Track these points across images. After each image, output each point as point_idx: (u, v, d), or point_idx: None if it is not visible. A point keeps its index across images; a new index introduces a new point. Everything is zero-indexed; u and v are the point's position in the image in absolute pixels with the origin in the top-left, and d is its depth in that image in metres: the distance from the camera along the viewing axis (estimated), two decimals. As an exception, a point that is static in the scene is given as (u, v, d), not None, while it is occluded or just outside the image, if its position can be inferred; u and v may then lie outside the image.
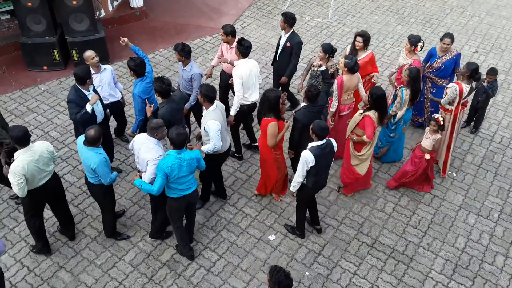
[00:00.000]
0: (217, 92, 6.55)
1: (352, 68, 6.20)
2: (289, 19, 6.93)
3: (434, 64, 7.08)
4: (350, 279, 5.54)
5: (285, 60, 7.14)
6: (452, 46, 7.01)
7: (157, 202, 5.49)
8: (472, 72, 6.26)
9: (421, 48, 6.77)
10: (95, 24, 8.47)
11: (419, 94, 6.50)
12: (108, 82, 6.33)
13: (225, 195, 6.42)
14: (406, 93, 6.35)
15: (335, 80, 6.34)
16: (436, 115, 6.10)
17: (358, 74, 6.36)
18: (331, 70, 6.69)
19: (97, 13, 9.43)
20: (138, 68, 5.85)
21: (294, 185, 5.44)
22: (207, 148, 5.53)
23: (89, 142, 4.95)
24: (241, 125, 6.95)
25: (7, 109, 7.70)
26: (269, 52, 9.31)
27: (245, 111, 6.51)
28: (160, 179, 4.85)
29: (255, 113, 6.64)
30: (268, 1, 11.15)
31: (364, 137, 5.86)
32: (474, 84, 6.48)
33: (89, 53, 6.12)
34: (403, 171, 6.50)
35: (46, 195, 5.19)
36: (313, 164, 5.13)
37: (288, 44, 7.01)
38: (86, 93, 5.71)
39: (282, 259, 5.72)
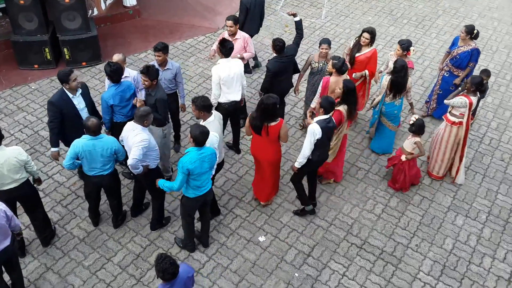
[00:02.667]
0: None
1: (340, 68, 6.24)
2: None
3: (453, 52, 7.34)
4: (339, 281, 5.57)
5: None
6: (473, 41, 7.23)
7: (153, 193, 5.63)
8: (477, 86, 6.27)
9: (414, 51, 6.85)
10: (88, 22, 8.42)
11: (403, 88, 6.53)
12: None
13: (219, 211, 6.25)
14: (385, 78, 6.55)
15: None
16: (412, 117, 6.17)
17: (346, 76, 6.39)
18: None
19: (90, 11, 9.37)
20: (113, 74, 5.68)
21: (301, 161, 5.66)
22: None
23: (94, 131, 5.06)
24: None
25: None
26: (262, 52, 9.31)
27: (226, 109, 6.43)
28: (181, 176, 4.90)
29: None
30: (262, 0, 11.12)
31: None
32: (479, 95, 6.52)
33: (116, 57, 6.04)
34: (393, 177, 6.64)
35: (10, 200, 5.09)
36: (320, 136, 5.42)
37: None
38: (71, 96, 5.62)
39: (272, 260, 5.73)
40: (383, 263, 5.78)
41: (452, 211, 6.48)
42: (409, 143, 6.32)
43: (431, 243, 6.05)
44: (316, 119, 5.59)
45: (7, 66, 8.57)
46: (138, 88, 6.20)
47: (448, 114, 6.53)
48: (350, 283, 5.55)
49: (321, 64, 6.85)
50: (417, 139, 6.25)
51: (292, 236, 6.04)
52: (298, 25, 6.94)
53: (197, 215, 5.63)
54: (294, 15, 6.94)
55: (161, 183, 5.16)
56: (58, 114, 5.59)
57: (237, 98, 6.48)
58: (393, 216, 6.36)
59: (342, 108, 5.93)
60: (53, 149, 5.81)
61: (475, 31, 7.15)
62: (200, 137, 4.81)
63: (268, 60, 6.79)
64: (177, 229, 5.99)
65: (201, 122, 5.35)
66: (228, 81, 6.26)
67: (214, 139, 5.26)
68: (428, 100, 8.00)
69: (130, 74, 6.24)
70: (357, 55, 7.02)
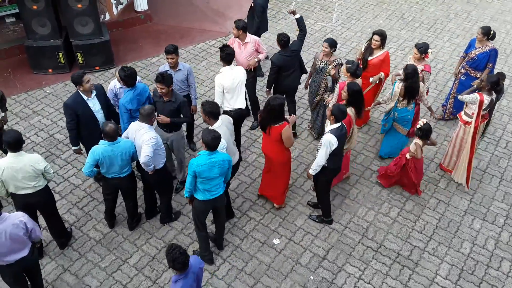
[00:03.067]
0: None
1: (355, 72, 6.23)
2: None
3: (470, 54, 7.28)
4: (355, 284, 5.51)
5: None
6: (490, 41, 7.19)
7: (162, 188, 5.74)
8: (493, 85, 6.24)
9: (431, 53, 6.84)
10: (100, 27, 8.50)
11: (416, 93, 6.46)
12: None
13: (233, 213, 6.26)
14: (397, 86, 6.48)
15: (337, 84, 6.41)
16: (420, 121, 6.10)
17: (360, 80, 6.39)
18: (333, 64, 6.68)
19: (102, 16, 9.46)
20: (127, 78, 5.71)
21: (315, 169, 5.60)
22: None
23: (112, 136, 5.09)
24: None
25: (12, 112, 7.71)
26: (270, 54, 9.30)
27: (232, 116, 6.20)
28: (189, 177, 4.95)
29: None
30: (272, 5, 11.16)
31: None
32: (494, 96, 6.45)
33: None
34: (387, 167, 6.61)
35: (26, 205, 5.12)
36: (336, 145, 5.40)
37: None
38: (85, 98, 5.67)
39: (287, 263, 5.69)
40: (399, 267, 5.72)
41: (469, 215, 6.40)
42: (412, 143, 6.28)
43: (448, 246, 5.98)
44: (328, 128, 5.51)
45: (21, 70, 8.65)
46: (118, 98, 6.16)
47: (462, 113, 6.54)
48: (366, 286, 5.50)
49: (323, 64, 6.78)
50: (418, 141, 6.16)
51: (307, 239, 6.00)
52: (300, 23, 7.01)
53: (211, 217, 5.62)
54: (294, 12, 7.03)
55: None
56: (74, 116, 5.65)
57: (242, 105, 6.46)
58: (409, 220, 6.30)
59: (350, 111, 5.89)
60: (74, 148, 5.94)
61: (492, 32, 7.11)
62: (211, 142, 4.80)
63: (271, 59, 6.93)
64: (192, 231, 5.98)
65: (209, 127, 5.36)
66: (232, 89, 6.25)
67: (220, 145, 5.18)
68: (444, 103, 7.95)
69: (110, 84, 6.28)
70: (369, 58, 7.01)
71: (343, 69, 6.43)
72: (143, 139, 5.20)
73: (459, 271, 5.70)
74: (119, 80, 5.93)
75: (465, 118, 6.47)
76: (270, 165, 6.04)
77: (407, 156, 6.31)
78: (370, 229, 6.16)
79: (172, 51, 6.16)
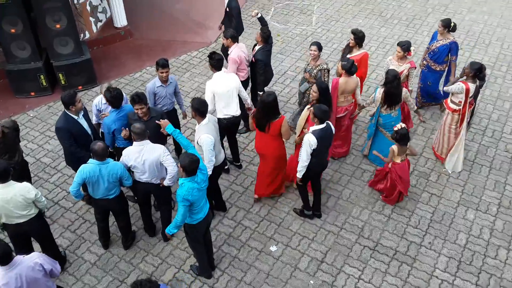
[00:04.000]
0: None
1: (349, 69, 6.31)
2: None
3: (432, 47, 7.40)
4: (355, 284, 5.50)
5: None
6: (451, 34, 7.31)
7: (164, 198, 5.77)
8: (476, 72, 6.31)
9: (413, 51, 6.93)
10: (80, 46, 8.44)
11: (396, 99, 6.39)
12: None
13: (225, 207, 6.38)
14: (379, 91, 6.45)
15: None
16: (398, 125, 6.03)
17: (356, 78, 6.43)
18: (318, 68, 6.73)
19: (82, 35, 9.38)
20: (113, 99, 5.64)
21: (300, 170, 5.64)
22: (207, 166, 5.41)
23: (102, 155, 5.02)
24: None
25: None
26: (256, 62, 9.32)
27: (224, 124, 6.36)
28: (183, 209, 4.72)
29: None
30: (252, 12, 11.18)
31: (306, 130, 5.84)
32: (478, 83, 6.52)
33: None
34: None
35: (20, 234, 5.07)
36: (315, 146, 5.40)
37: (253, 59, 7.17)
38: (75, 117, 5.59)
39: (286, 269, 5.67)
40: (398, 264, 5.73)
41: (462, 206, 6.44)
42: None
43: (444, 239, 6.00)
44: (312, 128, 5.52)
45: (3, 95, 8.54)
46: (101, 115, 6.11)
47: (448, 102, 6.65)
48: (366, 286, 5.49)
49: (309, 67, 6.81)
50: (394, 146, 6.07)
51: (304, 243, 5.98)
52: (261, 20, 7.72)
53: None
54: (256, 14, 7.67)
55: (168, 230, 4.97)
56: (69, 136, 5.52)
57: (236, 113, 6.44)
58: (403, 216, 6.32)
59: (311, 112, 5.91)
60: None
61: (452, 24, 7.23)
62: (190, 166, 4.63)
63: (254, 54, 7.11)
64: (188, 245, 5.91)
65: (196, 126, 5.54)
66: (225, 95, 6.23)
67: (208, 141, 5.34)
68: (424, 101, 8.05)
69: (94, 100, 6.22)
70: (348, 56, 7.03)
71: (338, 66, 6.52)
72: (158, 154, 5.20)
73: (457, 262, 5.73)
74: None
75: (452, 106, 6.56)
76: (267, 164, 6.07)
77: (388, 165, 6.26)
78: (366, 228, 6.16)
79: (167, 64, 6.16)
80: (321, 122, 5.47)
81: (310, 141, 5.41)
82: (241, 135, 7.61)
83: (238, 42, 7.03)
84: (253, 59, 7.07)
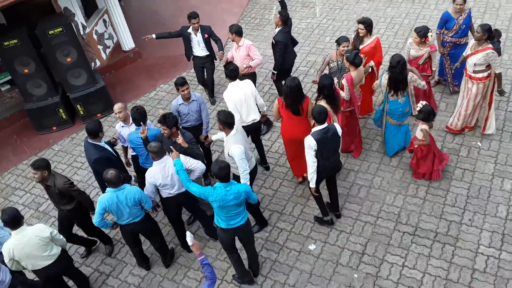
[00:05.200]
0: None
1: (353, 61, 6.21)
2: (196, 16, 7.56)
3: (454, 27, 7.14)
4: (400, 272, 5.43)
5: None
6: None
7: (195, 205, 5.83)
8: (489, 32, 6.16)
9: (431, 36, 6.81)
10: (93, 75, 8.57)
11: (403, 85, 6.22)
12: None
13: (265, 222, 6.27)
14: (385, 77, 6.28)
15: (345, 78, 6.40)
16: (419, 103, 5.94)
17: (362, 67, 6.36)
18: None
19: (93, 64, 9.55)
20: (139, 117, 5.77)
21: (311, 178, 5.56)
22: (241, 176, 5.48)
23: (115, 183, 5.07)
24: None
25: (27, 177, 7.79)
26: (267, 63, 9.29)
27: (246, 130, 6.27)
28: (205, 191, 4.89)
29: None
30: (254, 14, 11.19)
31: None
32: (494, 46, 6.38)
33: (115, 108, 6.07)
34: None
35: (50, 277, 5.16)
36: (316, 148, 5.31)
37: (273, 41, 7.42)
38: (101, 144, 5.82)
39: (327, 266, 5.63)
40: (440, 245, 5.63)
41: (497, 177, 6.29)
42: (418, 130, 6.07)
43: (484, 214, 5.87)
44: (313, 130, 5.44)
45: (26, 134, 8.75)
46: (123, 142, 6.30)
47: (472, 74, 6.44)
48: (412, 272, 5.41)
49: (340, 63, 6.77)
50: (424, 126, 5.97)
51: (342, 238, 5.93)
52: (281, 3, 7.83)
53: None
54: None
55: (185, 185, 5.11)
56: (108, 163, 5.58)
57: (256, 117, 6.46)
58: (438, 196, 6.20)
59: (324, 103, 5.86)
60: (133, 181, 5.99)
61: None
62: (219, 172, 4.72)
63: (274, 36, 7.34)
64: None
65: (225, 137, 5.55)
66: (242, 103, 6.26)
67: (239, 151, 5.34)
68: (444, 78, 7.76)
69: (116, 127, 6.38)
70: (360, 47, 6.94)
71: (345, 60, 6.47)
72: (189, 164, 5.33)
73: (501, 236, 5.59)
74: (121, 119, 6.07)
75: (479, 75, 6.40)
76: (296, 148, 6.06)
77: (415, 144, 6.14)
78: (402, 213, 6.07)
79: (185, 82, 6.21)
80: (318, 124, 5.37)
81: (309, 143, 5.31)
82: (262, 138, 7.60)
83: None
84: (273, 40, 7.27)
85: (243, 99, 6.23)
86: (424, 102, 5.96)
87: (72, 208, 5.60)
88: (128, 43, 10.15)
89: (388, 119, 6.58)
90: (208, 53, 7.87)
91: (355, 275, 5.49)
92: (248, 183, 5.43)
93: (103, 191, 5.97)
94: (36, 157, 8.20)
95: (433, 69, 6.94)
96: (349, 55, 6.24)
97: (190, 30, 7.74)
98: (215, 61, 8.20)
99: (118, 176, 5.10)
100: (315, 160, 5.41)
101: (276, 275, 5.65)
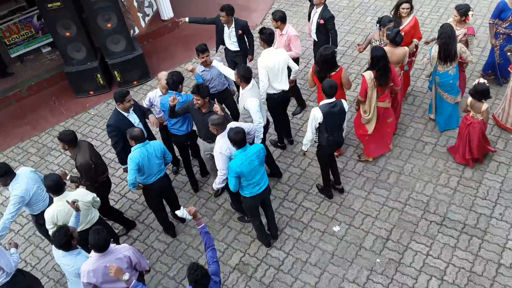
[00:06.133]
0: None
1: (394, 39, 6.13)
2: (230, 11, 6.96)
3: (510, 18, 6.79)
4: (424, 261, 5.39)
5: (323, 38, 7.22)
6: None
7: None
8: None
9: (472, 15, 6.51)
10: (132, 42, 8.66)
11: (452, 53, 6.17)
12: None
13: (280, 173, 6.65)
14: (435, 49, 6.28)
15: None
16: (480, 79, 5.81)
17: (405, 48, 6.21)
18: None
19: (132, 31, 9.64)
20: (172, 82, 5.85)
21: (305, 143, 5.76)
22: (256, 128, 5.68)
23: (142, 138, 5.30)
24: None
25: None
26: (304, 40, 9.16)
27: (276, 99, 6.42)
28: (232, 180, 5.06)
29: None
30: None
31: (358, 96, 6.10)
32: None
33: (161, 75, 6.13)
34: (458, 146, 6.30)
35: (83, 241, 5.22)
36: (321, 120, 5.41)
37: (322, 21, 7.05)
38: (126, 114, 5.84)
39: (350, 249, 5.65)
40: (467, 237, 5.54)
41: (534, 173, 6.11)
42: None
43: (516, 209, 5.74)
44: (320, 103, 5.51)
45: (65, 97, 8.98)
46: (156, 109, 6.34)
47: None
48: (435, 262, 5.37)
49: (382, 43, 6.61)
50: (484, 106, 5.80)
51: (367, 222, 5.91)
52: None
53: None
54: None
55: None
56: (119, 133, 5.78)
57: (286, 87, 6.44)
58: (470, 187, 6.08)
59: (367, 74, 5.85)
60: (123, 166, 6.01)
61: None
62: (236, 138, 4.87)
63: (320, 17, 7.06)
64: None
65: (241, 90, 5.79)
66: (275, 71, 6.23)
67: (255, 103, 5.61)
68: (489, 73, 7.46)
69: (149, 93, 6.37)
70: (400, 28, 6.73)
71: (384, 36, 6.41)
72: (248, 128, 5.47)
73: (532, 233, 5.47)
74: (163, 87, 6.10)
75: None
76: None
77: (478, 118, 5.91)
78: (431, 202, 5.99)
79: (206, 49, 6.31)
80: (327, 97, 5.42)
81: (314, 115, 5.42)
82: (295, 117, 7.59)
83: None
84: (321, 20, 7.02)
85: (276, 67, 6.20)
86: (482, 81, 5.82)
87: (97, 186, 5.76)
88: (167, 13, 10.18)
89: (442, 94, 6.54)
90: (238, 49, 7.33)
91: (378, 260, 5.49)
92: (262, 136, 5.70)
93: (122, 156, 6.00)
94: (73, 120, 8.46)
95: (468, 58, 6.61)
96: (390, 33, 6.13)
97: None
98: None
99: (142, 131, 5.33)
100: (315, 131, 5.58)
101: (298, 253, 5.71)
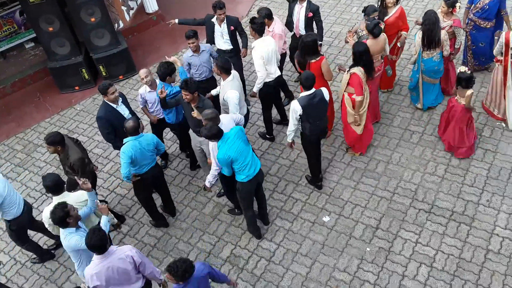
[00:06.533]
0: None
1: (372, 30, 6.14)
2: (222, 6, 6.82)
3: (478, 4, 6.82)
4: (413, 248, 5.45)
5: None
6: None
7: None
8: None
9: (459, 7, 6.54)
10: (116, 36, 8.56)
11: (435, 39, 6.28)
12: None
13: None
14: (418, 35, 6.42)
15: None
16: (461, 68, 5.87)
17: (384, 36, 6.23)
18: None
19: (116, 25, 9.52)
20: (162, 72, 5.93)
21: (289, 133, 5.80)
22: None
23: (135, 130, 5.25)
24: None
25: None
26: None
27: (272, 86, 6.48)
28: (225, 169, 5.14)
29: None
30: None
31: (355, 96, 5.94)
32: None
33: (141, 73, 6.07)
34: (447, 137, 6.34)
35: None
36: (301, 112, 5.47)
37: (310, 14, 7.02)
38: (114, 106, 5.83)
39: (340, 238, 5.68)
40: (455, 224, 5.61)
41: (520, 159, 6.19)
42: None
43: (502, 195, 5.81)
44: (300, 94, 5.53)
45: (49, 92, 8.86)
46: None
47: (498, 56, 6.32)
48: (425, 249, 5.43)
49: (363, 34, 6.64)
50: (466, 91, 5.86)
51: (356, 211, 5.95)
52: None
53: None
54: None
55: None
56: (109, 125, 5.78)
57: (278, 72, 6.49)
58: (457, 175, 6.15)
59: (358, 70, 5.86)
60: None
61: None
62: (211, 132, 4.94)
63: (308, 9, 7.00)
64: (241, 221, 6.05)
65: (221, 82, 5.88)
66: (269, 57, 6.27)
67: (234, 96, 5.69)
68: (464, 60, 7.52)
69: (139, 90, 6.32)
70: (385, 18, 6.75)
71: (364, 28, 6.41)
72: (237, 119, 5.56)
73: (519, 218, 5.55)
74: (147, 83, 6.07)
75: (500, 58, 6.27)
76: None
77: (461, 102, 5.95)
78: (419, 191, 6.05)
79: (193, 35, 6.38)
80: (305, 89, 5.45)
81: (294, 108, 5.47)
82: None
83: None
84: (310, 13, 6.97)
85: (270, 54, 6.25)
86: (463, 68, 5.87)
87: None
88: (151, 6, 10.06)
89: (425, 79, 6.66)
90: (231, 47, 7.05)
91: (368, 249, 5.53)
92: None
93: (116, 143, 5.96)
94: (58, 116, 8.35)
95: (456, 46, 6.69)
96: (369, 24, 6.15)
97: (214, 20, 6.95)
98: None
99: (136, 125, 5.29)
100: (297, 123, 5.63)
101: (289, 244, 5.73)
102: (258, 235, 5.81)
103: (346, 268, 5.38)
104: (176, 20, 7.39)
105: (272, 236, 5.84)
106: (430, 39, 6.28)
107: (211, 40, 7.19)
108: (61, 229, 4.51)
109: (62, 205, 4.37)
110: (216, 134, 4.97)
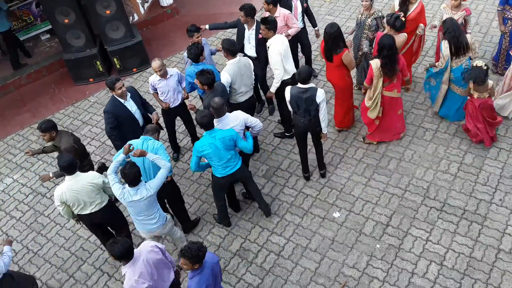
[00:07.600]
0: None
1: (393, 24, 6.06)
2: (250, 11, 6.48)
3: None
4: (423, 246, 5.42)
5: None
6: None
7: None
8: None
9: None
10: (131, 29, 8.62)
11: (463, 46, 6.04)
12: (173, 88, 6.32)
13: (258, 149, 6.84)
14: (444, 45, 6.12)
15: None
16: (478, 62, 5.83)
17: (404, 35, 6.16)
18: (374, 16, 6.63)
19: (131, 18, 9.59)
20: (192, 55, 6.01)
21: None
22: None
23: (209, 123, 5.11)
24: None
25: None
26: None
27: (290, 84, 6.25)
28: (194, 158, 5.26)
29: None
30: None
31: (364, 83, 6.22)
32: None
33: (155, 66, 6.06)
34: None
35: (95, 224, 5.39)
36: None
37: (306, 5, 7.19)
38: (122, 101, 5.83)
39: (350, 234, 5.67)
40: (467, 223, 5.56)
41: (535, 159, 6.10)
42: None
43: (516, 195, 5.75)
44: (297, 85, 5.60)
45: (64, 84, 8.96)
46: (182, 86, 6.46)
47: None
48: (435, 247, 5.39)
49: (363, 17, 6.68)
50: (486, 85, 5.84)
51: (367, 208, 5.93)
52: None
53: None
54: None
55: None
56: (114, 120, 5.81)
57: (295, 69, 6.40)
58: (470, 173, 6.08)
59: (373, 63, 5.84)
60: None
61: None
62: (202, 121, 5.02)
63: None
64: (251, 215, 6.07)
65: (226, 61, 5.98)
66: (286, 55, 6.25)
67: (223, 78, 5.83)
68: (494, 62, 7.35)
69: (173, 72, 6.32)
70: (407, 14, 6.66)
71: (384, 22, 6.38)
72: (249, 120, 5.48)
73: (532, 219, 5.48)
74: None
75: None
76: (337, 93, 6.58)
77: (485, 96, 5.95)
78: (431, 188, 6.00)
79: (195, 30, 6.44)
80: (301, 82, 5.51)
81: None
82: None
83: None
84: (305, 4, 7.12)
85: (286, 50, 6.24)
86: (480, 62, 5.83)
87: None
88: (166, -1, 10.11)
89: (453, 88, 6.43)
90: (255, 55, 6.75)
91: (378, 245, 5.51)
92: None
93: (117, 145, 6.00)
94: (72, 107, 8.45)
95: (468, 31, 6.56)
96: (390, 18, 6.08)
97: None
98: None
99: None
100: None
101: (298, 239, 5.74)
102: (227, 223, 5.96)
103: (355, 265, 5.38)
104: (207, 26, 7.06)
105: (281, 231, 5.85)
106: (458, 45, 6.01)
107: (240, 44, 6.82)
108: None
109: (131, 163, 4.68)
110: (205, 124, 5.04)
